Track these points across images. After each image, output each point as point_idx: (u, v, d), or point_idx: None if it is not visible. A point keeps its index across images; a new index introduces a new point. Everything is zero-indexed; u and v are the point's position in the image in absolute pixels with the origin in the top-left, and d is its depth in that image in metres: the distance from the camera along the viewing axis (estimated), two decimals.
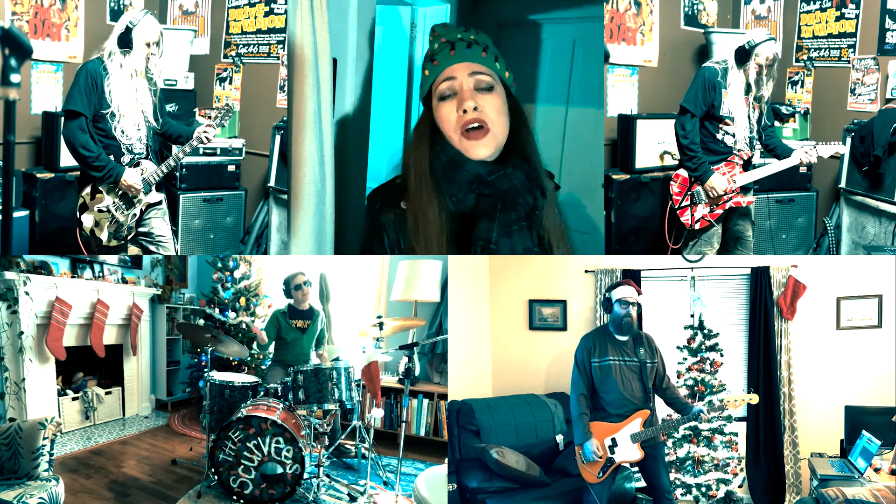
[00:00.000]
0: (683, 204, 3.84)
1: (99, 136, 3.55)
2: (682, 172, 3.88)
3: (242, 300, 5.72)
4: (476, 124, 1.85)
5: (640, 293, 3.16)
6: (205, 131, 3.66)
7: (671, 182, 3.91)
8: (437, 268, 4.95)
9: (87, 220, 3.66)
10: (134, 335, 5.55)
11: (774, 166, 3.81)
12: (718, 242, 3.90)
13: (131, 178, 3.59)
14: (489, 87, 1.88)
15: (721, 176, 3.76)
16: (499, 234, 1.89)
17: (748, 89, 3.77)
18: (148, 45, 3.56)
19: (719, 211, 3.81)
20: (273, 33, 4.60)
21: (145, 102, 3.64)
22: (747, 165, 3.82)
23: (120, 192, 3.64)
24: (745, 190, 3.81)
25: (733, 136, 3.79)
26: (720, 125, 3.79)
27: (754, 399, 3.09)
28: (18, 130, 2.99)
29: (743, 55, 3.75)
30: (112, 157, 3.60)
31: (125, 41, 3.54)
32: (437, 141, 1.91)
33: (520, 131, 1.95)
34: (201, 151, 4.42)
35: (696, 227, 3.85)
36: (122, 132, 3.58)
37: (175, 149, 3.80)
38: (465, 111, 1.85)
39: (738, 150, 3.80)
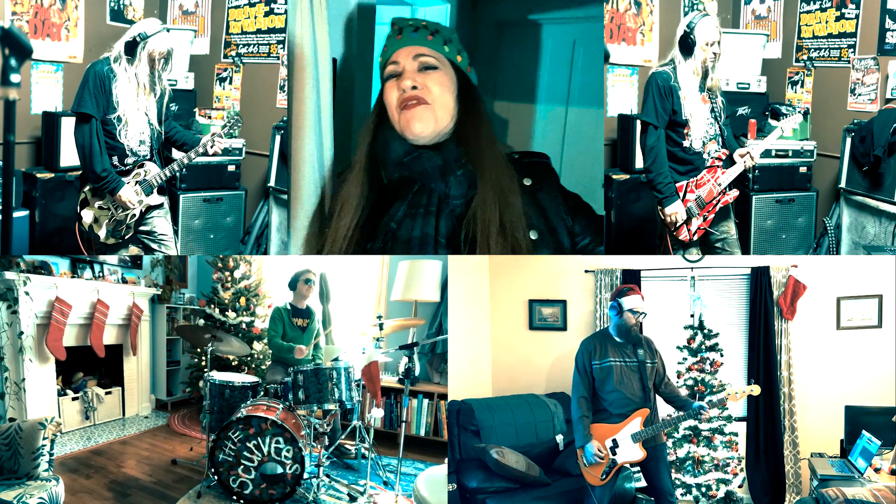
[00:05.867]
0: (679, 224, 3.80)
1: (104, 139, 3.58)
2: None
3: (242, 300, 5.73)
4: (413, 101, 1.89)
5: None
6: (211, 143, 3.68)
7: (658, 206, 3.82)
8: (437, 268, 4.95)
9: (87, 215, 3.68)
10: (134, 335, 5.55)
11: (738, 167, 3.72)
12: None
13: (126, 194, 3.62)
14: (432, 67, 1.93)
15: (680, 204, 3.68)
16: (404, 214, 1.91)
17: (702, 82, 3.63)
18: (153, 59, 3.58)
19: (711, 216, 3.79)
20: (273, 33, 4.60)
21: (150, 109, 3.67)
22: (727, 163, 3.76)
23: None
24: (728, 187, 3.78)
25: (701, 140, 3.70)
26: (684, 130, 3.69)
27: (756, 390, 3.06)
28: (18, 130, 2.99)
29: (686, 42, 3.59)
30: (116, 159, 3.63)
31: (132, 50, 3.55)
32: (382, 123, 1.97)
33: (469, 117, 1.95)
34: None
35: (695, 238, 3.82)
36: (126, 136, 3.62)
37: (179, 154, 3.82)
38: (403, 90, 1.90)
39: (715, 152, 3.73)
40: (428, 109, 1.89)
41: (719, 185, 3.73)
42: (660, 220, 3.86)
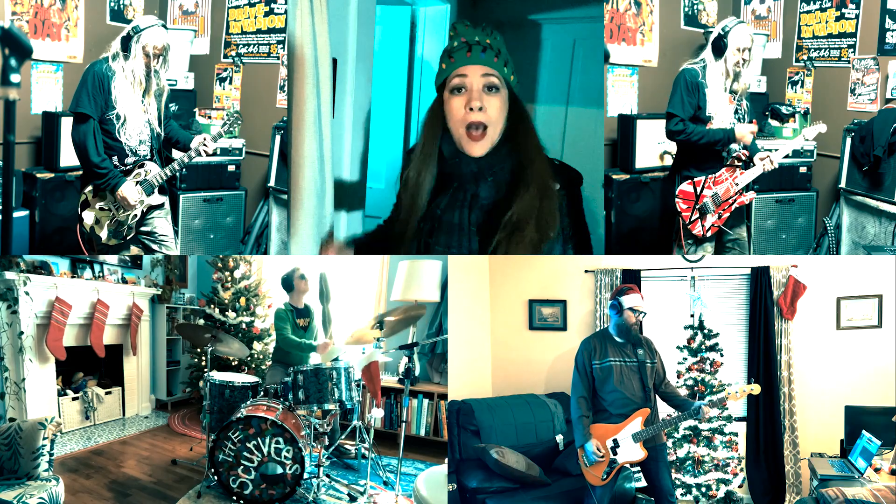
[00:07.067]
0: (693, 218, 3.83)
1: (104, 138, 3.58)
2: (685, 188, 3.85)
3: (242, 300, 5.72)
4: (478, 126, 2.06)
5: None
6: (204, 144, 3.68)
7: (676, 199, 3.87)
8: (436, 268, 4.95)
9: (88, 217, 3.67)
10: (134, 335, 5.55)
11: (757, 169, 3.77)
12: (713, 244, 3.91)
13: (127, 191, 3.62)
14: (496, 88, 2.08)
15: (747, 126, 3.77)
16: (447, 205, 2.16)
17: (729, 83, 3.77)
18: (147, 54, 3.57)
19: (727, 215, 3.81)
20: (273, 33, 4.60)
21: (150, 109, 3.66)
22: (746, 165, 3.81)
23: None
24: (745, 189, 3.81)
25: None
26: (707, 127, 3.78)
27: (756, 389, 3.06)
28: (18, 130, 2.99)
29: (718, 45, 3.75)
30: (116, 159, 3.63)
31: (126, 45, 3.56)
32: (443, 126, 2.14)
33: (518, 127, 2.13)
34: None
35: (708, 234, 3.86)
36: (126, 135, 3.61)
37: (179, 154, 3.82)
38: (472, 109, 2.06)
39: (735, 152, 3.79)
40: (488, 138, 2.08)
41: (737, 184, 3.77)
42: (679, 214, 3.88)
